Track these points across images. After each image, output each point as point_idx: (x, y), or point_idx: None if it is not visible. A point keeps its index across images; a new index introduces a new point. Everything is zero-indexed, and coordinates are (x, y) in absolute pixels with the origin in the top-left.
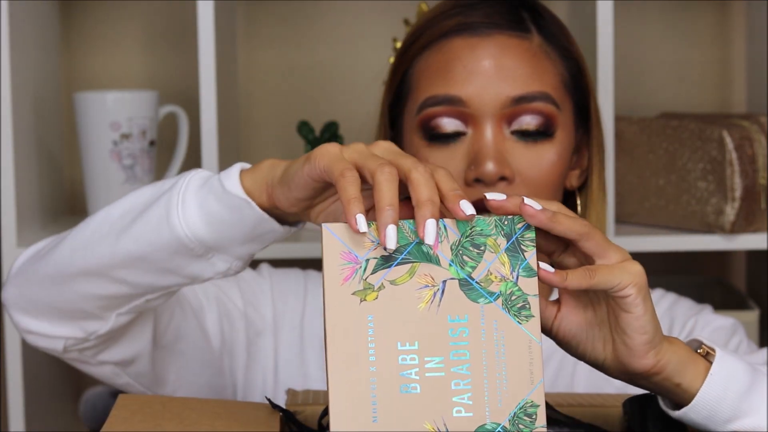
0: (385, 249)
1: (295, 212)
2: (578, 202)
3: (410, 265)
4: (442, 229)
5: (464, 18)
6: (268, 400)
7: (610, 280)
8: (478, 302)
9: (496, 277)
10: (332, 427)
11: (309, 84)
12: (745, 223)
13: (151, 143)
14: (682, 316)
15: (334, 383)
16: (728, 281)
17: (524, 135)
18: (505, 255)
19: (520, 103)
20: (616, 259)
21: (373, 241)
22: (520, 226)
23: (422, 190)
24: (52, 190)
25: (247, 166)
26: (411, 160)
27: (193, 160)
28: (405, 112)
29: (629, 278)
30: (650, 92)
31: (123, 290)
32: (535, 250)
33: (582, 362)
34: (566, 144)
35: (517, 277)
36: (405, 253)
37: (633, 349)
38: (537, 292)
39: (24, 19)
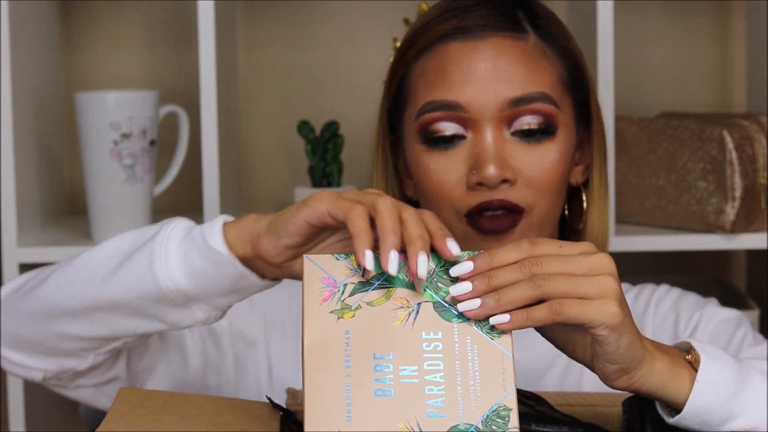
0: (384, 273)
1: (280, 262)
2: (584, 198)
3: (386, 289)
4: None
5: (459, 21)
6: (269, 399)
7: (580, 317)
8: (451, 321)
9: None
10: (306, 426)
11: (309, 84)
12: (745, 222)
13: (152, 143)
14: (687, 311)
15: (309, 386)
16: (728, 281)
17: (525, 135)
18: None
19: (518, 105)
20: (593, 292)
21: (351, 269)
22: None
23: (413, 229)
24: (52, 189)
25: (230, 218)
26: (401, 203)
27: (194, 160)
28: (405, 118)
29: (603, 318)
30: (650, 92)
31: (103, 333)
32: None
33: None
34: (567, 143)
35: None
36: (382, 279)
37: (605, 373)
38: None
39: (24, 19)
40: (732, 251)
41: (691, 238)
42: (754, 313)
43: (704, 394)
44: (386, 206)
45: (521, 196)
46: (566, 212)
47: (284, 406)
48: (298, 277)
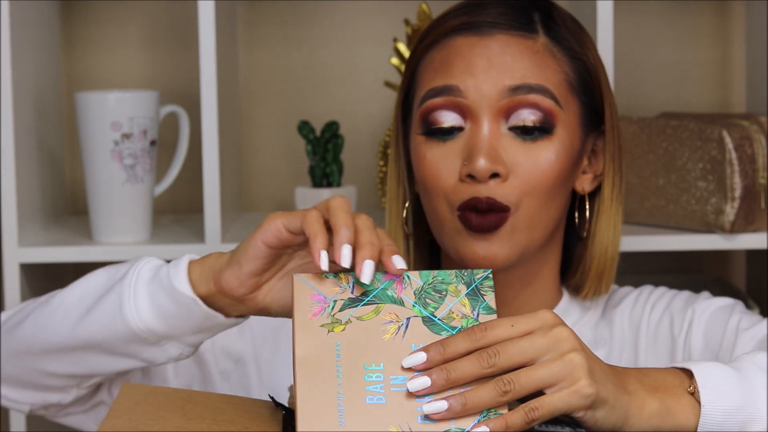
0: (374, 289)
1: (243, 294)
2: (587, 206)
3: (375, 305)
4: (406, 278)
5: (469, 18)
6: (271, 397)
7: (555, 412)
8: (441, 334)
9: (457, 315)
10: (299, 427)
11: (309, 84)
12: (744, 222)
13: (152, 143)
14: (679, 312)
15: (302, 394)
16: (728, 281)
17: (522, 132)
18: (466, 298)
19: (517, 94)
20: (561, 378)
21: (340, 287)
22: (479, 276)
23: (364, 234)
24: (53, 189)
25: (195, 257)
26: (357, 213)
27: (194, 160)
28: (412, 110)
29: (577, 404)
30: (650, 92)
31: (82, 371)
32: (494, 294)
33: None
34: (567, 143)
35: (478, 315)
36: (371, 296)
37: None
38: None
39: (25, 19)
40: (732, 251)
41: (691, 238)
42: (754, 313)
43: (712, 418)
44: (339, 204)
45: (509, 194)
46: (576, 220)
47: (287, 405)
48: (263, 310)
